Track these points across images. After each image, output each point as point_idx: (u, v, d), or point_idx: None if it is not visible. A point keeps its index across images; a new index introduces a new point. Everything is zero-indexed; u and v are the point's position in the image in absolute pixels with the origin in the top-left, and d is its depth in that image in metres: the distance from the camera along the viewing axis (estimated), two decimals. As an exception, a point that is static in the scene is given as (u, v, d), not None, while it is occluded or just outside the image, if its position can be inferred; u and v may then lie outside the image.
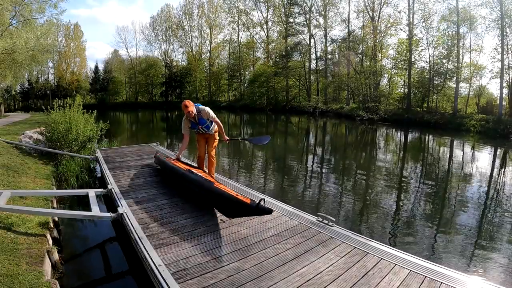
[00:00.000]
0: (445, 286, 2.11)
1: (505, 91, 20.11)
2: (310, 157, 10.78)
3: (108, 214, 3.42)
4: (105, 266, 3.22)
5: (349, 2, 31.15)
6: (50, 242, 3.19)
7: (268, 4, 38.55)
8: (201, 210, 3.55)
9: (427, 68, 25.06)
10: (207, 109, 4.33)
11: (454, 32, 23.41)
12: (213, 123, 4.47)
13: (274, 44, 39.81)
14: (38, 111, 25.40)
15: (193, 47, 46.71)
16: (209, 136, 4.58)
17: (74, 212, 3.79)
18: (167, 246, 2.65)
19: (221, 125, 4.56)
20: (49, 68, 43.73)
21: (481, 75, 23.72)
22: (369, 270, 2.32)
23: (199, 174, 3.85)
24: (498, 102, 21.06)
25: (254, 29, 41.13)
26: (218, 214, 3.41)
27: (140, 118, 30.39)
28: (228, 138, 4.88)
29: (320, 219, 3.23)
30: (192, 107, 4.20)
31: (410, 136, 17.44)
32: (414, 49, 25.33)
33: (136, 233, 2.86)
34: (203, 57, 46.49)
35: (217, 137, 4.66)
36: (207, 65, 45.90)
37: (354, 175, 7.96)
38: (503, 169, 9.18)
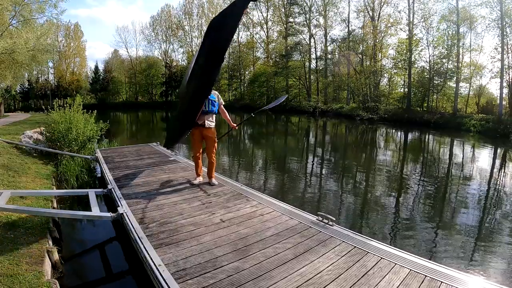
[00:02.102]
0: (446, 285, 2.10)
1: (505, 90, 20.11)
2: (310, 156, 10.78)
3: (108, 214, 3.42)
4: (105, 266, 3.22)
5: (349, 2, 31.21)
6: (50, 242, 3.19)
7: (268, 4, 38.55)
8: (201, 210, 3.55)
9: (427, 67, 25.08)
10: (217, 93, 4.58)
11: (454, 32, 23.43)
12: (215, 111, 4.42)
13: (274, 44, 39.78)
14: (38, 111, 25.41)
15: (193, 47, 46.69)
16: (207, 133, 4.38)
17: (74, 212, 3.78)
18: (167, 246, 2.65)
19: (226, 113, 4.61)
20: (49, 68, 43.68)
21: (481, 74, 23.74)
22: (369, 270, 2.32)
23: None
24: (498, 102, 21.06)
25: (254, 29, 41.14)
26: (218, 214, 3.41)
27: (140, 118, 30.40)
28: (235, 125, 4.72)
29: (320, 219, 3.23)
30: None
31: (410, 136, 17.44)
32: (414, 49, 25.34)
33: (136, 233, 2.86)
34: (203, 57, 46.42)
35: (216, 139, 4.51)
36: (207, 65, 45.81)
37: (354, 174, 7.96)
38: (503, 169, 9.17)
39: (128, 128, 21.63)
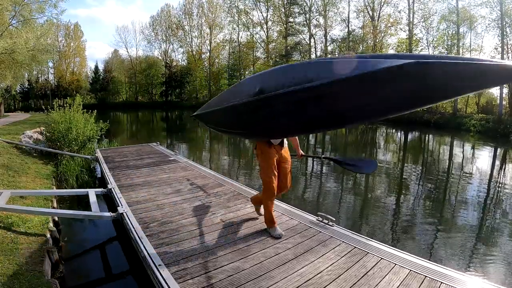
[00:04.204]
0: (445, 286, 2.10)
1: (505, 90, 20.11)
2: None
3: (108, 214, 3.42)
4: (105, 266, 3.22)
5: (349, 1, 31.24)
6: (50, 242, 3.19)
7: (268, 4, 38.56)
8: (201, 209, 3.55)
9: (427, 67, 25.06)
10: None
11: (454, 32, 23.46)
12: None
13: (274, 44, 39.81)
14: (38, 111, 25.40)
15: (193, 47, 46.75)
16: (285, 153, 3.02)
17: (74, 212, 3.79)
18: (167, 246, 2.65)
19: (297, 137, 3.38)
20: (49, 68, 43.69)
21: (481, 74, 23.71)
22: (369, 270, 2.32)
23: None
24: (498, 101, 21.07)
25: (254, 29, 41.14)
26: (219, 214, 3.41)
27: (140, 118, 30.40)
28: (303, 154, 3.51)
29: (320, 219, 3.23)
30: None
31: (410, 136, 17.44)
32: (414, 49, 25.35)
33: (136, 233, 2.86)
34: (203, 56, 46.49)
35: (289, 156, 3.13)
36: (207, 65, 45.90)
37: (354, 174, 7.95)
38: (503, 169, 9.17)
39: (128, 128, 21.63)
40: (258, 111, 2.07)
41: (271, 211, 2.92)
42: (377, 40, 27.89)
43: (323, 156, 3.71)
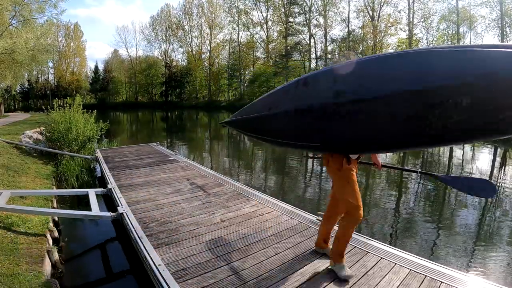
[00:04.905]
0: (445, 285, 2.10)
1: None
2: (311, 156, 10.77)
3: (108, 214, 3.43)
4: (105, 265, 3.22)
5: (349, 1, 31.28)
6: (50, 241, 3.19)
7: (268, 4, 38.61)
8: (201, 209, 3.55)
9: (427, 67, 25.11)
10: None
11: (454, 32, 23.49)
12: None
13: (274, 44, 39.86)
14: (38, 111, 25.43)
15: (193, 47, 46.81)
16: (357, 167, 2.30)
17: (74, 212, 3.79)
18: (166, 246, 2.65)
19: None
20: (49, 68, 43.78)
21: (481, 74, 23.76)
22: (369, 270, 2.32)
23: None
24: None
25: (254, 29, 41.21)
26: (218, 214, 3.41)
27: (140, 118, 30.41)
28: (381, 164, 2.59)
29: (320, 219, 3.22)
30: None
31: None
32: (414, 49, 25.42)
33: (136, 233, 2.86)
34: (203, 56, 46.53)
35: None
36: (207, 65, 45.93)
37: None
38: (503, 168, 9.17)
39: (128, 128, 21.64)
40: (358, 116, 1.68)
41: (347, 244, 2.26)
42: (377, 40, 27.90)
43: (420, 170, 2.74)
